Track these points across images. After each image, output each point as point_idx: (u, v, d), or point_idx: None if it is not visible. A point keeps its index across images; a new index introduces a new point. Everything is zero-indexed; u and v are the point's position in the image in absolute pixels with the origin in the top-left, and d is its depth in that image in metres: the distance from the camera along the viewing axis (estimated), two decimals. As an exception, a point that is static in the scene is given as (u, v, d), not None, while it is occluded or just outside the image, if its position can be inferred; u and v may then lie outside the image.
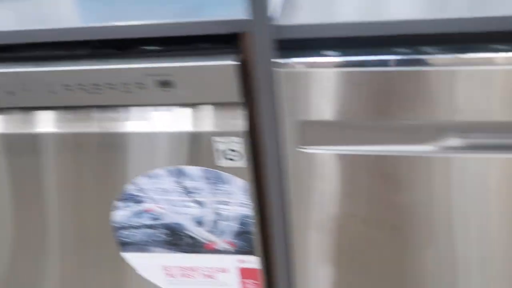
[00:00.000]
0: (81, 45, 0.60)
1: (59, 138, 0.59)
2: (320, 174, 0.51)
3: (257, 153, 0.59)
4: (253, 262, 0.69)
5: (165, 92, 0.53)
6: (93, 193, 0.64)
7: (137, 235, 0.68)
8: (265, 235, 0.68)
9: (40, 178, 0.64)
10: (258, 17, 0.43)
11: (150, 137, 0.58)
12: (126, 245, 0.70)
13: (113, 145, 0.59)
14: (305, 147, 0.50)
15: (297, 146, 0.50)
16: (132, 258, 0.72)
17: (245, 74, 0.52)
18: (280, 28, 0.44)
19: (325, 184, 0.52)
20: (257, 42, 0.45)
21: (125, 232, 0.69)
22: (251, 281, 0.71)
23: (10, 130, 0.60)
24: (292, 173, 0.52)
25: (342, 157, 0.49)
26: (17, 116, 0.59)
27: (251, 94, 0.54)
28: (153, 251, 0.70)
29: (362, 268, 0.58)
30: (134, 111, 0.57)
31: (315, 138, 0.50)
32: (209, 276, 0.72)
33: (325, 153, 0.50)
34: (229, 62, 0.50)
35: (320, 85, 0.46)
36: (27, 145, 0.61)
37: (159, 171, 0.61)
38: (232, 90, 0.52)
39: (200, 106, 0.55)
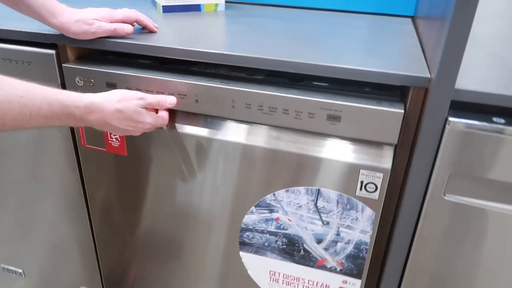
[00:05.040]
0: (256, 70, 0.72)
1: (230, 145, 0.70)
2: (457, 223, 0.59)
3: (392, 190, 0.68)
4: (355, 285, 0.76)
5: (331, 125, 0.63)
6: (242, 195, 0.75)
7: (258, 238, 0.78)
8: (374, 264, 0.76)
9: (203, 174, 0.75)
10: (445, 79, 0.52)
11: (302, 158, 0.68)
12: (245, 245, 0.80)
13: (270, 158, 0.69)
14: (448, 195, 0.58)
15: (441, 193, 0.58)
16: (246, 257, 0.81)
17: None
18: (457, 91, 0.53)
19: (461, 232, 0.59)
20: (434, 99, 0.54)
21: (249, 234, 0.78)
22: (347, 301, 0.78)
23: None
24: (428, 215, 0.60)
25: (484, 212, 0.57)
26: (201, 121, 0.71)
27: (404, 139, 0.63)
28: (267, 256, 0.79)
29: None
30: (296, 134, 0.67)
31: (459, 189, 0.57)
32: (310, 289, 0.80)
33: (467, 204, 0.58)
34: (398, 110, 0.59)
35: (479, 146, 0.54)
36: (199, 146, 0.73)
37: (300, 188, 0.70)
38: (391, 133, 0.61)
39: (357, 141, 0.64)
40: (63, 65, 0.74)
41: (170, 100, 0.69)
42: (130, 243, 0.89)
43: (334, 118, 0.63)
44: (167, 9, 0.97)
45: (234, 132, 0.70)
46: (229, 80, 0.68)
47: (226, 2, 1.04)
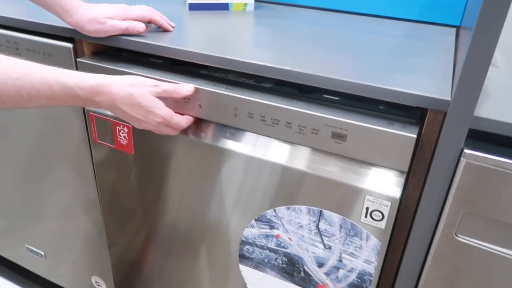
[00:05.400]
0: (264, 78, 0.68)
1: (233, 155, 0.67)
2: (469, 267, 0.51)
3: (403, 220, 0.61)
4: (357, 316, 0.70)
5: (336, 143, 0.58)
6: (242, 206, 0.71)
7: (258, 254, 0.74)
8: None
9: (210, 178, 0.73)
10: (462, 104, 0.45)
11: (304, 175, 0.63)
12: (245, 259, 0.76)
13: (271, 172, 0.65)
14: (460, 236, 0.51)
15: (453, 233, 0.51)
16: (245, 271, 0.78)
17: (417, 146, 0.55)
18: (477, 119, 0.46)
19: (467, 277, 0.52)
20: (449, 126, 0.47)
21: (249, 248, 0.75)
22: (348, 332, 0.72)
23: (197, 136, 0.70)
24: (437, 255, 0.53)
25: (499, 258, 0.49)
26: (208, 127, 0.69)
27: (418, 167, 0.56)
28: (266, 272, 0.75)
29: None
30: (300, 149, 0.62)
31: (474, 231, 0.50)
32: (309, 313, 0.75)
33: (481, 248, 0.50)
34: (410, 135, 0.53)
35: (498, 185, 0.46)
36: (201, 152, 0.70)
37: (301, 207, 0.66)
38: (402, 159, 0.54)
39: (365, 163, 0.58)
40: (77, 59, 0.74)
41: (188, 88, 0.64)
42: (135, 237, 0.89)
43: (339, 136, 0.57)
44: (194, 6, 0.95)
45: (238, 142, 0.66)
46: (235, 86, 0.65)
47: (256, 1, 1.01)
